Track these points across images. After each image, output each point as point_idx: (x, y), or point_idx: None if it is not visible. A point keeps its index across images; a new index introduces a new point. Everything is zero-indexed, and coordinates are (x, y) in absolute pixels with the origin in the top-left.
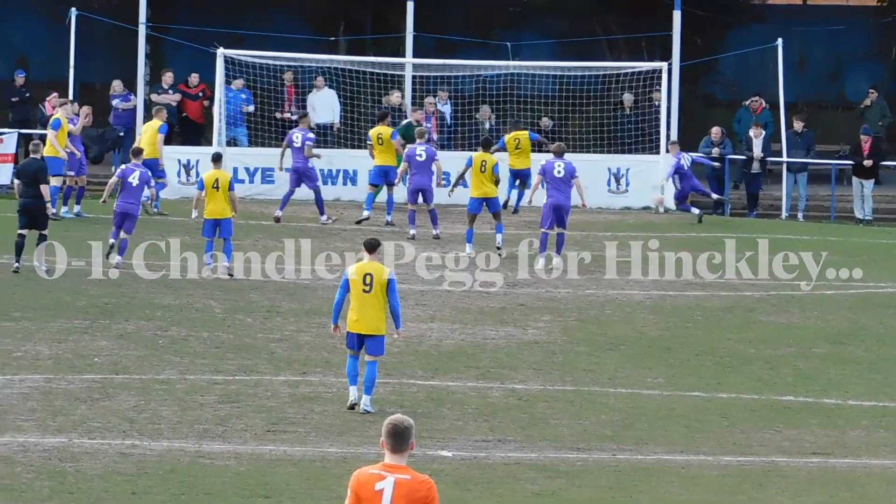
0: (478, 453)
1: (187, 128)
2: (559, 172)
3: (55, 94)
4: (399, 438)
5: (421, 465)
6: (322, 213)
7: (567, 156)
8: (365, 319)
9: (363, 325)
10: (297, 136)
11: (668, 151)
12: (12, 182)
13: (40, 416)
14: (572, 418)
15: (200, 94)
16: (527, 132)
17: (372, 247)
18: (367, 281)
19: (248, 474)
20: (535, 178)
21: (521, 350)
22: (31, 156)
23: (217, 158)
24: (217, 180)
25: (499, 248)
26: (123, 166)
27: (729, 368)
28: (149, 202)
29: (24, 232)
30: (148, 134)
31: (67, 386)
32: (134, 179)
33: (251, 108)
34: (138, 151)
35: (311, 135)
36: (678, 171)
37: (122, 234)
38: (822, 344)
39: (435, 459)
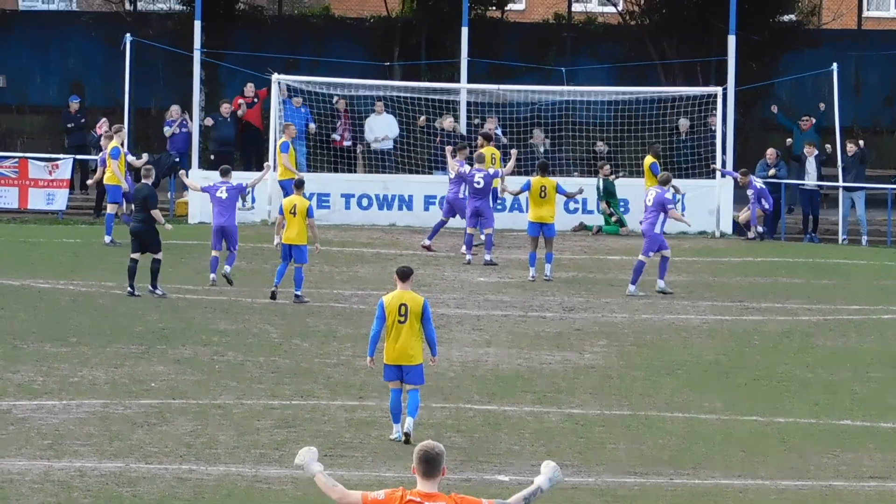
0: (535, 477)
1: (249, 135)
2: (649, 201)
3: (105, 119)
4: (431, 465)
5: (478, 490)
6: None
7: (622, 180)
8: (402, 350)
9: (400, 356)
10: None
11: (739, 185)
12: (126, 208)
13: (97, 441)
14: (629, 442)
15: (256, 99)
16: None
17: (405, 275)
18: (402, 311)
19: (305, 499)
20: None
21: (577, 374)
22: (143, 181)
23: (300, 185)
24: (295, 206)
25: (547, 278)
26: (211, 183)
27: (786, 392)
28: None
29: (135, 256)
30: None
31: (124, 411)
32: (222, 194)
33: (314, 127)
34: (226, 170)
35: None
36: (760, 194)
37: (228, 251)
38: (879, 368)
39: (492, 484)
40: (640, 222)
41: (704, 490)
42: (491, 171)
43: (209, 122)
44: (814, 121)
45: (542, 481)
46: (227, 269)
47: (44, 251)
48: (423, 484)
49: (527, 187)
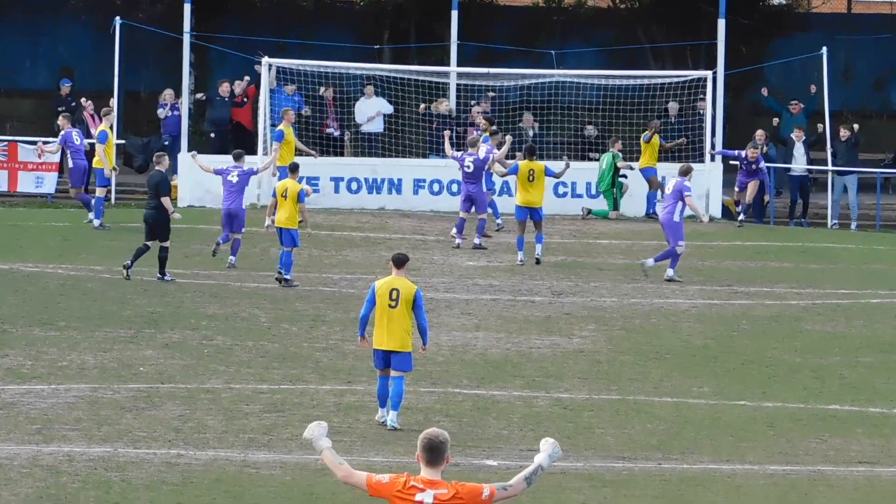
0: (523, 462)
1: (239, 135)
2: (668, 189)
3: (90, 102)
4: (435, 453)
5: (467, 475)
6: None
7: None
8: (391, 335)
9: (389, 342)
10: (468, 160)
11: (748, 159)
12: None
13: (86, 426)
14: (618, 428)
15: (246, 98)
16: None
17: (400, 262)
18: (394, 296)
19: (293, 484)
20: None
21: (566, 359)
22: (156, 168)
23: (293, 168)
24: (286, 189)
25: (538, 257)
26: (224, 167)
27: (775, 378)
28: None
29: (149, 243)
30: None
31: (113, 395)
32: (233, 178)
33: (307, 111)
34: (239, 155)
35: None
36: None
37: (234, 235)
38: (868, 353)
39: (480, 468)
40: (651, 213)
41: (693, 475)
42: (482, 155)
43: (201, 96)
44: (803, 106)
45: (542, 459)
46: (232, 259)
47: (33, 235)
48: (427, 471)
49: (514, 171)
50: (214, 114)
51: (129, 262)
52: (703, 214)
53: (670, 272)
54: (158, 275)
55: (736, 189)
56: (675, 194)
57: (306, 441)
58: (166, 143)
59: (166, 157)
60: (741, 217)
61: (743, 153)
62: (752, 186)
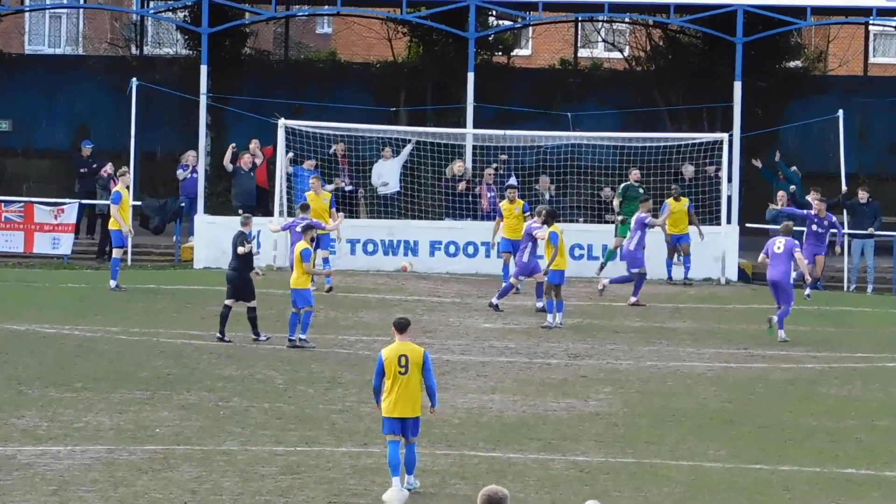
0: None
1: (264, 197)
2: (779, 248)
3: (109, 163)
4: None
5: None
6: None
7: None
8: (404, 403)
9: (403, 409)
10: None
11: (815, 214)
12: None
13: (102, 487)
14: (634, 490)
15: (257, 162)
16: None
17: (403, 327)
18: (403, 363)
19: None
20: None
21: (582, 422)
22: (240, 228)
23: (305, 229)
24: (293, 251)
25: (545, 324)
26: (290, 219)
27: (791, 441)
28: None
29: (228, 302)
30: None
31: (129, 457)
32: (300, 229)
33: (329, 187)
34: (306, 207)
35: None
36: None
37: None
38: (884, 417)
39: None
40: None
41: None
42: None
43: (229, 166)
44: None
45: None
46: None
47: (49, 296)
48: None
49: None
50: (239, 188)
51: (220, 332)
52: (809, 272)
53: (782, 333)
54: (253, 336)
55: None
56: (788, 254)
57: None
58: (182, 204)
59: (251, 218)
60: (807, 292)
61: (812, 211)
62: (820, 260)
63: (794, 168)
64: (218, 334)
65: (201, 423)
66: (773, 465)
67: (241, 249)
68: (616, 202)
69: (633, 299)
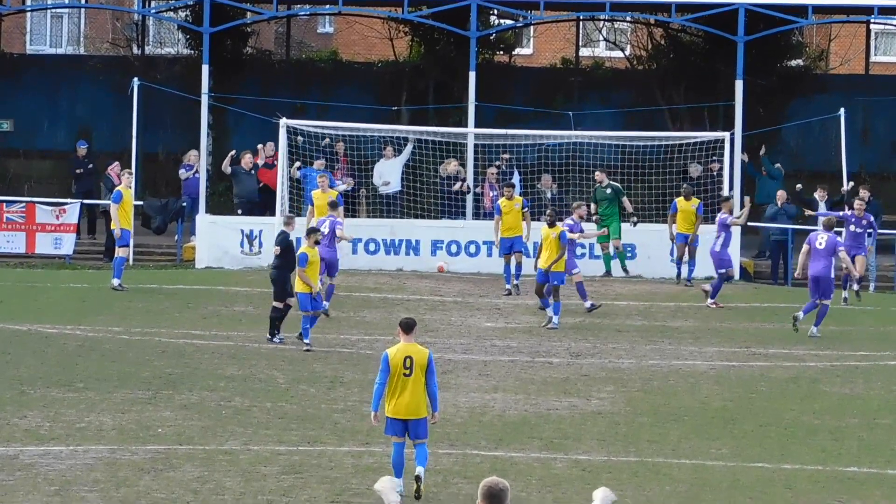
0: None
1: (267, 197)
2: (821, 244)
3: (117, 163)
4: (496, 499)
5: None
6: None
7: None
8: (408, 404)
9: (407, 410)
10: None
11: (855, 215)
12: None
13: (104, 487)
14: (636, 489)
15: (275, 162)
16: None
17: (409, 327)
18: (408, 364)
19: None
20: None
21: (584, 421)
22: (283, 228)
23: (308, 233)
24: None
25: (550, 326)
26: (321, 217)
27: (793, 439)
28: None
29: (276, 304)
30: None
31: (131, 457)
32: (325, 228)
33: (341, 188)
34: (334, 204)
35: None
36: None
37: (328, 280)
38: (886, 415)
39: None
40: (793, 271)
41: None
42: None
43: (228, 170)
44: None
45: None
46: (326, 304)
47: (51, 296)
48: None
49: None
50: (241, 188)
51: (269, 335)
52: (855, 269)
53: (814, 329)
54: (267, 336)
55: (848, 259)
56: (830, 250)
57: (377, 492)
58: (184, 204)
59: (294, 218)
60: (856, 287)
61: (850, 212)
62: (860, 261)
63: (777, 165)
64: (267, 336)
65: (203, 423)
66: (775, 463)
67: (275, 249)
68: (593, 206)
69: (710, 301)
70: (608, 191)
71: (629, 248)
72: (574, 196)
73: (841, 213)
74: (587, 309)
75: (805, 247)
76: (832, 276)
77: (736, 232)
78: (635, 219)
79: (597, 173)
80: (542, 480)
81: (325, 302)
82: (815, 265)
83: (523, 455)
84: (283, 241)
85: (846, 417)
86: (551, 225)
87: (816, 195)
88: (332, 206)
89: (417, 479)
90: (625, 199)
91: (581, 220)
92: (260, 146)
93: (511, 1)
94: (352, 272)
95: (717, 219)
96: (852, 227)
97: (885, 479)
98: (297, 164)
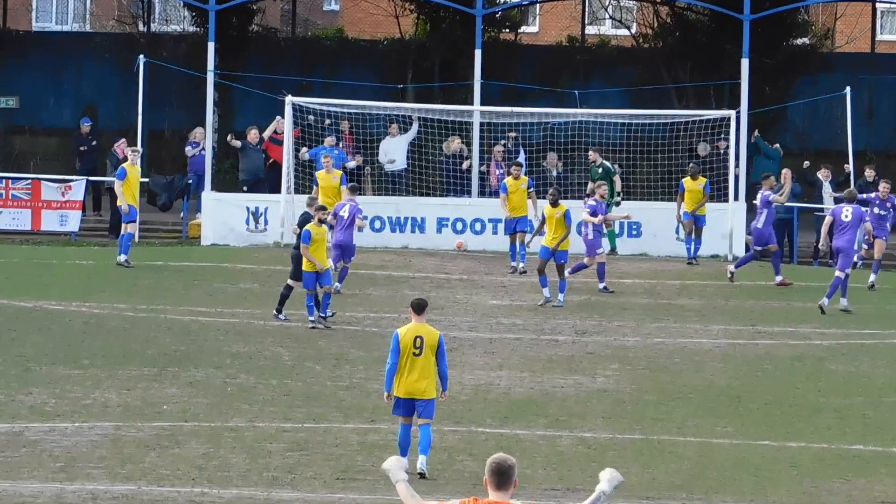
0: (547, 502)
1: (277, 172)
2: (846, 217)
3: (123, 139)
4: (503, 476)
5: None
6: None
7: (636, 203)
8: (417, 383)
9: (415, 390)
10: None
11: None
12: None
13: (110, 464)
14: (642, 467)
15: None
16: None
17: (420, 308)
18: (418, 344)
19: None
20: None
21: (589, 398)
22: (306, 209)
23: (318, 209)
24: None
25: (555, 303)
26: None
27: (798, 417)
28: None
29: (291, 283)
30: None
31: (136, 434)
32: (345, 213)
33: (352, 164)
34: (354, 188)
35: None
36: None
37: (342, 263)
38: (892, 393)
39: None
40: (816, 246)
41: None
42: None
43: (237, 143)
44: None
45: (604, 486)
46: (338, 286)
47: (56, 273)
48: (496, 495)
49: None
50: (247, 162)
51: (280, 310)
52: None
53: (844, 301)
54: (275, 311)
55: (864, 247)
56: (857, 221)
57: (384, 471)
58: (190, 181)
59: (317, 200)
60: (872, 279)
61: (875, 195)
62: (879, 245)
63: (776, 146)
64: (274, 313)
65: (209, 400)
66: (780, 441)
67: (294, 229)
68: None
69: (778, 278)
70: (600, 170)
71: (634, 226)
72: (579, 175)
73: (864, 196)
74: (600, 289)
75: (828, 218)
76: (854, 248)
77: (734, 210)
78: (618, 199)
79: (590, 152)
80: (547, 458)
81: (337, 283)
82: (841, 238)
83: (528, 433)
84: (305, 222)
85: (851, 396)
86: (554, 204)
87: (820, 175)
88: (353, 190)
89: (421, 475)
90: (616, 179)
91: (602, 199)
92: (278, 118)
93: None
94: (358, 250)
95: (758, 196)
96: (876, 210)
97: (890, 458)
98: (304, 149)
